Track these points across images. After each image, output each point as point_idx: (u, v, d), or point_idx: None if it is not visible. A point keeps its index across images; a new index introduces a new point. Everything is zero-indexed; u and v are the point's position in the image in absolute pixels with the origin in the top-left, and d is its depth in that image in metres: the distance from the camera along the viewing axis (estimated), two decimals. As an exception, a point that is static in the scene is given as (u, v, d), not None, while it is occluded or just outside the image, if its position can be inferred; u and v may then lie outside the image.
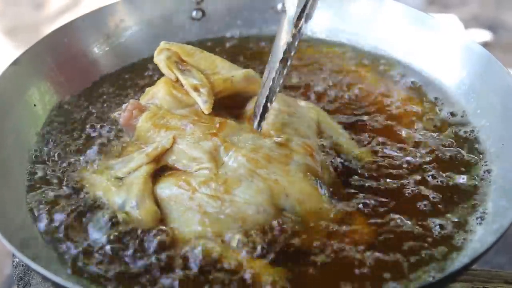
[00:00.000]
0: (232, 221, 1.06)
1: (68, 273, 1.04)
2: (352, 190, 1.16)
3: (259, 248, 1.04)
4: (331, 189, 1.14)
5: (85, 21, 1.48)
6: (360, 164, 1.22)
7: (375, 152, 1.25)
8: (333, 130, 1.27)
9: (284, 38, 1.11)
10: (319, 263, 1.04)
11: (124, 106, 1.27)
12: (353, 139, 1.27)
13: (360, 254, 1.05)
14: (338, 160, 1.21)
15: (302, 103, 1.31)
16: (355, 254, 1.05)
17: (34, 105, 1.33)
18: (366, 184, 1.18)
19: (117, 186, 1.14)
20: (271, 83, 1.13)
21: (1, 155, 1.20)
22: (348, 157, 1.23)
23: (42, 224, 1.13)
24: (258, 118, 1.16)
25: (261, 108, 1.15)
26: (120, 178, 1.16)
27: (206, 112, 1.19)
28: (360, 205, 1.13)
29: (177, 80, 1.24)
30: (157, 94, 1.25)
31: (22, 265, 1.22)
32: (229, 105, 1.27)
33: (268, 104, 1.14)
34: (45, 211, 1.14)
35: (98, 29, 1.50)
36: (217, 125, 1.17)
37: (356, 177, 1.19)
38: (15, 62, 1.32)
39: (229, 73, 1.27)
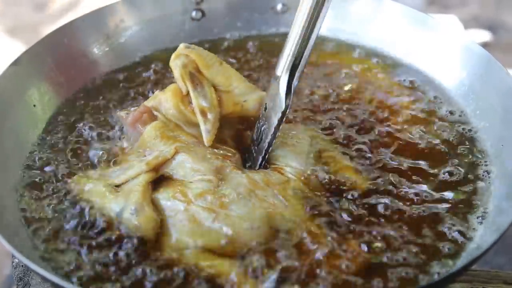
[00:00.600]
0: (224, 235, 1.05)
1: (66, 273, 1.05)
2: (347, 215, 1.14)
3: (252, 268, 1.03)
4: (327, 215, 1.12)
5: (85, 22, 1.48)
6: (355, 189, 1.18)
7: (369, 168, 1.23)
8: (329, 155, 1.23)
9: (277, 106, 1.13)
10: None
11: (132, 109, 1.27)
12: (350, 159, 1.24)
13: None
14: (334, 187, 1.18)
15: (300, 127, 1.29)
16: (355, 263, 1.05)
17: (34, 106, 1.33)
18: (362, 210, 1.14)
19: (114, 193, 1.13)
20: (266, 144, 1.16)
21: (0, 155, 1.20)
22: (344, 182, 1.19)
23: (41, 225, 1.13)
24: (258, 166, 1.19)
25: (260, 159, 1.18)
26: (118, 186, 1.15)
27: (206, 143, 1.17)
28: (354, 227, 1.11)
29: (188, 94, 1.20)
30: (164, 103, 1.21)
31: (22, 266, 1.22)
32: (235, 121, 1.26)
33: (266, 156, 1.19)
34: (44, 212, 1.15)
35: (98, 30, 1.50)
36: (229, 154, 1.18)
37: (349, 201, 1.16)
38: (15, 63, 1.32)
39: (242, 96, 1.22)
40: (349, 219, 1.12)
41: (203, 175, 1.12)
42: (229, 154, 1.19)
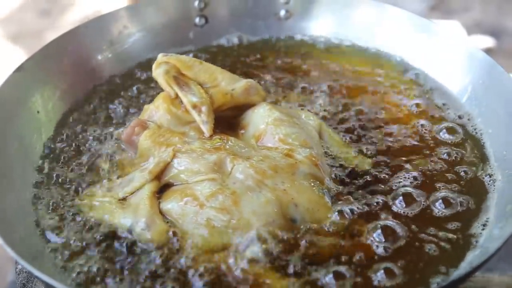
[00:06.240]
0: (241, 234, 1.05)
1: (70, 280, 1.05)
2: (355, 198, 1.16)
3: (272, 259, 1.04)
4: (335, 198, 1.14)
5: (89, 28, 1.49)
6: (361, 172, 1.21)
7: (374, 158, 1.25)
8: (333, 140, 1.26)
9: None
10: (331, 274, 1.03)
11: (127, 124, 1.28)
12: (355, 149, 1.26)
13: (368, 263, 1.06)
14: (340, 170, 1.21)
15: (303, 113, 1.30)
16: (364, 263, 1.05)
17: (38, 112, 1.34)
18: (367, 191, 1.18)
19: (122, 208, 1.13)
20: None
21: (4, 162, 1.20)
22: (348, 166, 1.22)
23: (45, 232, 1.13)
24: None
25: None
26: (123, 199, 1.15)
27: (206, 134, 1.19)
28: (364, 212, 1.13)
29: (177, 96, 1.23)
30: (156, 112, 1.24)
31: (25, 272, 1.22)
32: (228, 115, 1.27)
33: None
34: (49, 219, 1.15)
35: (101, 36, 1.51)
36: (221, 140, 1.18)
37: (357, 184, 1.19)
38: (19, 69, 1.33)
39: (229, 86, 1.26)
40: (358, 201, 1.15)
41: (204, 175, 1.11)
42: (220, 142, 1.18)
